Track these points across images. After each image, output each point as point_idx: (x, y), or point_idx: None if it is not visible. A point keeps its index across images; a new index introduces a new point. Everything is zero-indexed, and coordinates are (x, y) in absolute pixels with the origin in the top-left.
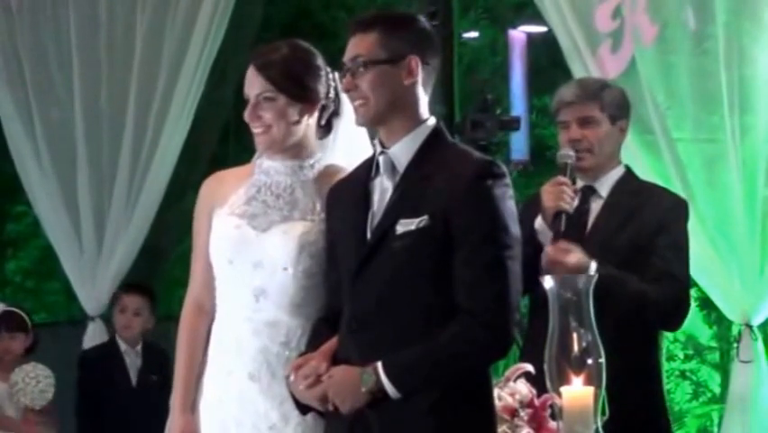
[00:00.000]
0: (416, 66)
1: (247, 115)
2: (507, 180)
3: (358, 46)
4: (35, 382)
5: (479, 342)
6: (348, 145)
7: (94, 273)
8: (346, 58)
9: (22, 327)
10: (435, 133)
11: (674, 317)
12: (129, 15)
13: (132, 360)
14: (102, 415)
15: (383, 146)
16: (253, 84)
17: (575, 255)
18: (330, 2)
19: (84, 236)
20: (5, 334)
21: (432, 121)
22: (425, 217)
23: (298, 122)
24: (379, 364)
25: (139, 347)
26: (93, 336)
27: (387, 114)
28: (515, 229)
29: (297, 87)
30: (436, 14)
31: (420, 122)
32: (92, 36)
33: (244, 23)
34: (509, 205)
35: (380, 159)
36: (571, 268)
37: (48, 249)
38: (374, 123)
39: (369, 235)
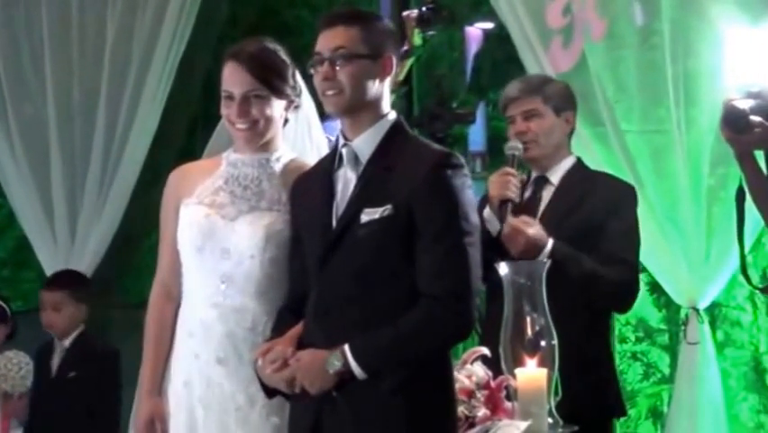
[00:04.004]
0: (392, 64)
1: (234, 112)
2: (466, 171)
3: (340, 38)
4: (17, 369)
5: (441, 325)
6: (292, 140)
7: (67, 262)
8: (326, 47)
9: (2, 318)
10: (396, 127)
11: (624, 300)
12: (100, 14)
13: None
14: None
15: (346, 138)
16: (241, 81)
17: (534, 228)
18: (294, 1)
19: (57, 227)
20: None
21: (393, 115)
22: (389, 207)
23: (280, 117)
24: (347, 347)
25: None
26: None
27: (357, 106)
28: (474, 217)
29: (283, 84)
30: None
31: (382, 116)
32: (64, 33)
33: (210, 20)
34: (468, 194)
35: (343, 151)
36: (530, 238)
37: (23, 239)
38: (344, 113)
39: (334, 224)
